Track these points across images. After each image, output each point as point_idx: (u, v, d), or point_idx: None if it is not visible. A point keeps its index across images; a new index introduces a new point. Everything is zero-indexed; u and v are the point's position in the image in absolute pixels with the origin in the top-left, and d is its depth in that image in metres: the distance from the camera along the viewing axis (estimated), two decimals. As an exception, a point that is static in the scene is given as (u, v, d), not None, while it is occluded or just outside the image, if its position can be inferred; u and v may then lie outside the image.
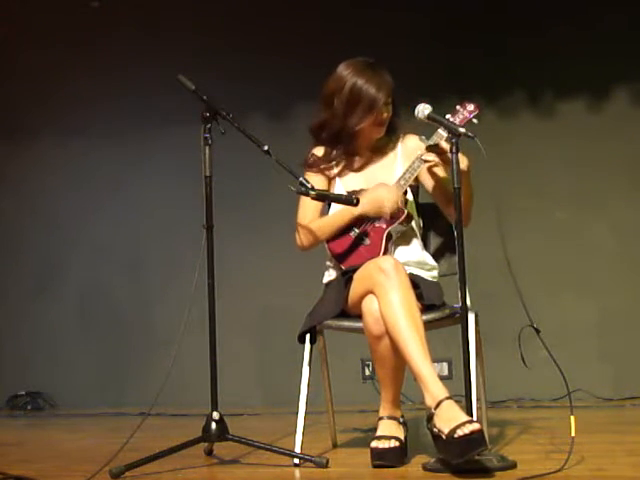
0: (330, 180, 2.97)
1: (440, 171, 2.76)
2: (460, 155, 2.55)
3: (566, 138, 4.74)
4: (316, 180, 2.91)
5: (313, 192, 2.76)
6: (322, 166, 2.95)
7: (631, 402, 4.32)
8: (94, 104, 5.14)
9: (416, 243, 2.92)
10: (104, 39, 5.15)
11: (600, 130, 4.71)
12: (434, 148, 2.68)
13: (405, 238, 2.89)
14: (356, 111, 2.82)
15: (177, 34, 5.07)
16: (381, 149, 2.98)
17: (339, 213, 2.89)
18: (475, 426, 2.31)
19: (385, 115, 2.87)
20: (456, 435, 2.30)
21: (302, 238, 2.93)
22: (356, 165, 2.98)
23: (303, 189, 2.76)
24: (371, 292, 2.62)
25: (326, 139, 2.94)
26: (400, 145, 2.96)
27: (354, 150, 2.96)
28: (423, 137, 2.73)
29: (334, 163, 2.95)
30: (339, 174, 2.96)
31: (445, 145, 2.61)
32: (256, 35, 4.99)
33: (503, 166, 4.45)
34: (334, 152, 2.94)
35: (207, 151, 2.76)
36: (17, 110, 5.26)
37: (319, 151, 2.98)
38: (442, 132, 2.66)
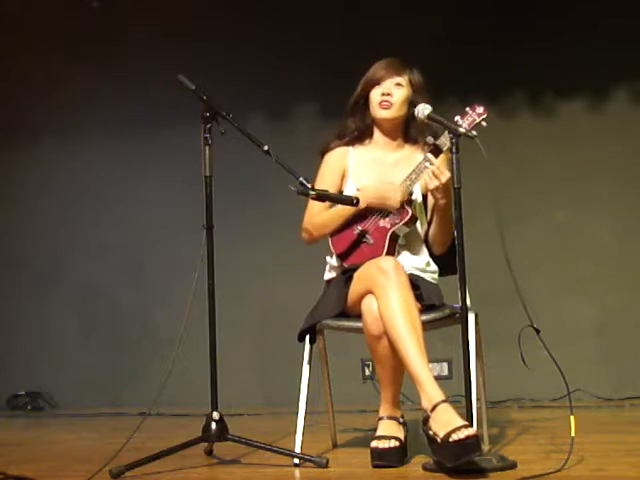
0: (343, 177, 2.97)
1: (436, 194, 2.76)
2: (444, 168, 2.66)
3: (566, 138, 4.74)
4: (333, 165, 2.97)
5: (313, 192, 2.76)
6: (338, 144, 2.99)
7: (631, 402, 4.31)
8: (94, 105, 5.14)
9: (419, 245, 2.92)
10: (104, 39, 5.15)
11: (600, 130, 4.71)
12: (438, 149, 2.70)
13: (408, 239, 2.88)
14: (360, 88, 2.94)
15: (177, 34, 5.06)
16: (404, 152, 2.98)
17: (340, 208, 2.89)
18: (470, 431, 2.31)
19: (387, 93, 2.88)
20: (451, 439, 2.30)
21: (307, 234, 2.95)
22: (372, 153, 2.98)
23: (303, 189, 2.76)
24: (370, 292, 2.62)
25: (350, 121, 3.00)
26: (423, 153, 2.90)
27: (369, 131, 2.98)
28: (430, 137, 2.74)
29: (350, 140, 2.99)
30: (353, 145, 2.99)
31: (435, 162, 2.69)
32: (256, 35, 5.00)
33: (503, 166, 4.45)
34: (351, 128, 2.99)
35: (207, 151, 2.76)
36: (18, 111, 5.26)
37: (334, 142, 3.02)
38: (447, 134, 2.66)
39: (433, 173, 2.69)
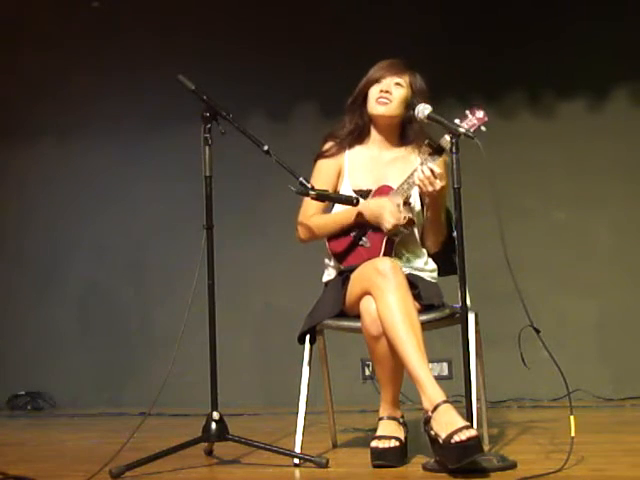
0: (339, 175, 2.96)
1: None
2: (440, 174, 2.67)
3: (566, 138, 4.74)
4: (328, 165, 2.95)
5: (313, 192, 2.77)
6: (334, 150, 2.97)
7: (631, 402, 4.31)
8: (94, 104, 5.14)
9: (416, 244, 2.92)
10: (104, 39, 5.15)
11: (600, 130, 4.71)
12: (439, 149, 2.69)
13: (405, 239, 2.88)
14: (360, 86, 2.92)
15: (177, 34, 5.07)
16: (400, 152, 2.97)
17: (341, 215, 2.89)
18: (472, 432, 2.31)
19: (386, 91, 2.87)
20: (453, 441, 2.30)
21: (301, 232, 2.95)
22: (369, 152, 2.96)
23: (303, 189, 2.76)
24: (368, 293, 2.61)
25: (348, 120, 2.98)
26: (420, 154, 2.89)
27: (366, 129, 2.96)
28: (428, 140, 2.73)
29: (346, 140, 2.96)
30: (349, 146, 2.96)
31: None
32: (256, 35, 4.99)
33: (503, 166, 4.44)
34: (348, 127, 2.97)
35: (207, 151, 2.76)
36: (18, 110, 5.26)
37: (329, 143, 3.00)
38: (447, 137, 2.64)
39: (423, 182, 2.69)
